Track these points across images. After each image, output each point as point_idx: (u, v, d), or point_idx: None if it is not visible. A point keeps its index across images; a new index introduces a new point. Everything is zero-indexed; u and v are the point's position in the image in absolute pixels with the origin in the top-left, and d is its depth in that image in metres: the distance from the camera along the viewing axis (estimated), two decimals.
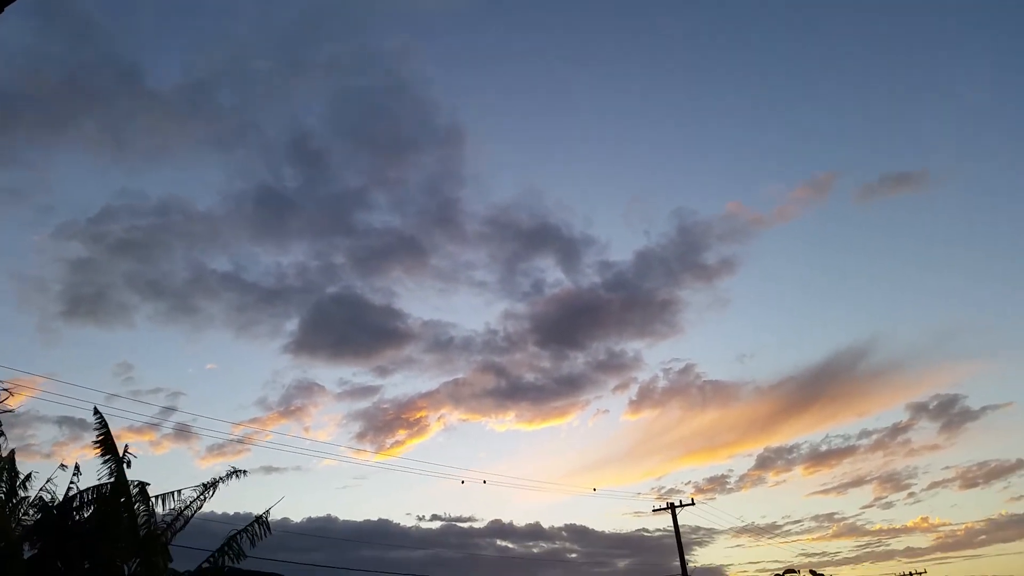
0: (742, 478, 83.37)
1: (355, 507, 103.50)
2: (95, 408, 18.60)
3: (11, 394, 16.77)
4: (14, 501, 18.13)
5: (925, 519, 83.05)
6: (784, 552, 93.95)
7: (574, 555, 77.58)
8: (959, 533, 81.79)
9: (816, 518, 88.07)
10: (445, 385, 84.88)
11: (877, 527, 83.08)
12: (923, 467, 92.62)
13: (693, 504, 42.69)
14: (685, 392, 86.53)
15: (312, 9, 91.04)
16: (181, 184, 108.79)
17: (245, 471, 19.80)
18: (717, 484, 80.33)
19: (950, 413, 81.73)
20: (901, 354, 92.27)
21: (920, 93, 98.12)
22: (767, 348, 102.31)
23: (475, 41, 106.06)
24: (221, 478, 19.59)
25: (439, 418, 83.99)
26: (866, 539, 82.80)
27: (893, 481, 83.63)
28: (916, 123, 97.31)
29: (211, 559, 19.09)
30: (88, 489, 17.80)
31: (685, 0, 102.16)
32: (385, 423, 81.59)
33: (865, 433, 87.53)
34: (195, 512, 19.21)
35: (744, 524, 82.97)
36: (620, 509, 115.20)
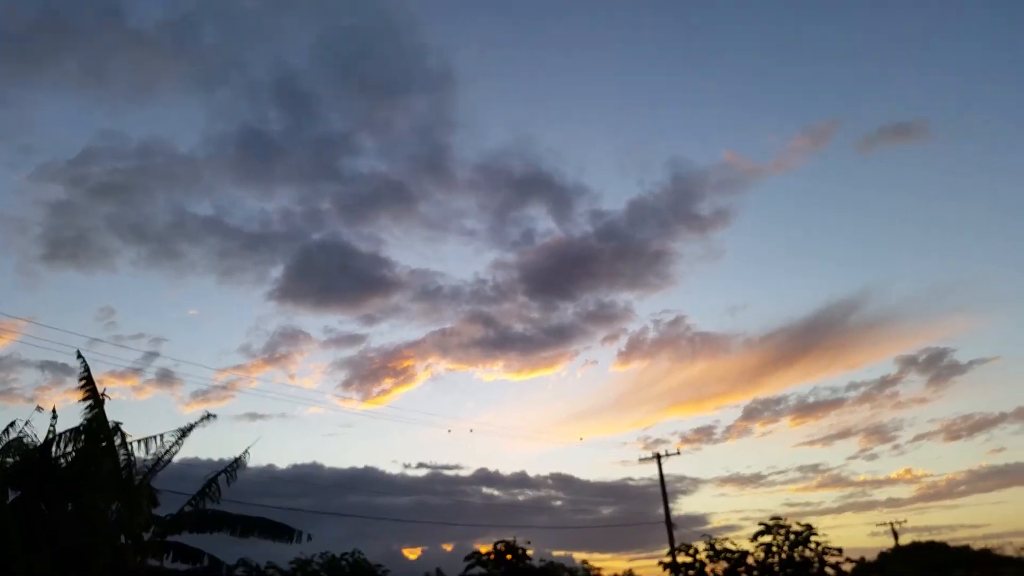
0: (729, 429, 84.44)
1: (341, 454, 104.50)
2: (78, 352, 18.39)
3: None
4: None
5: (909, 470, 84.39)
6: (768, 501, 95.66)
7: (559, 503, 78.81)
8: (940, 484, 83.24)
9: (801, 469, 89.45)
10: (433, 334, 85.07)
11: (861, 478, 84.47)
12: (909, 420, 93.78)
13: (679, 454, 43.10)
14: (675, 344, 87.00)
15: None
16: (163, 125, 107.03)
17: (215, 415, 19.87)
18: (704, 435, 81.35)
19: (938, 366, 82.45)
20: (894, 307, 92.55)
21: (923, 43, 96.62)
22: (759, 300, 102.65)
23: None
24: (194, 424, 19.57)
25: (426, 367, 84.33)
26: (850, 490, 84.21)
27: (879, 433, 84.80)
28: (918, 73, 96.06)
29: (192, 502, 19.13)
30: (67, 431, 17.60)
31: None
32: (371, 371, 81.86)
33: (853, 385, 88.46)
34: (172, 456, 19.12)
35: (728, 474, 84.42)
36: (606, 458, 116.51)
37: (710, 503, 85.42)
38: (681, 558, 21.44)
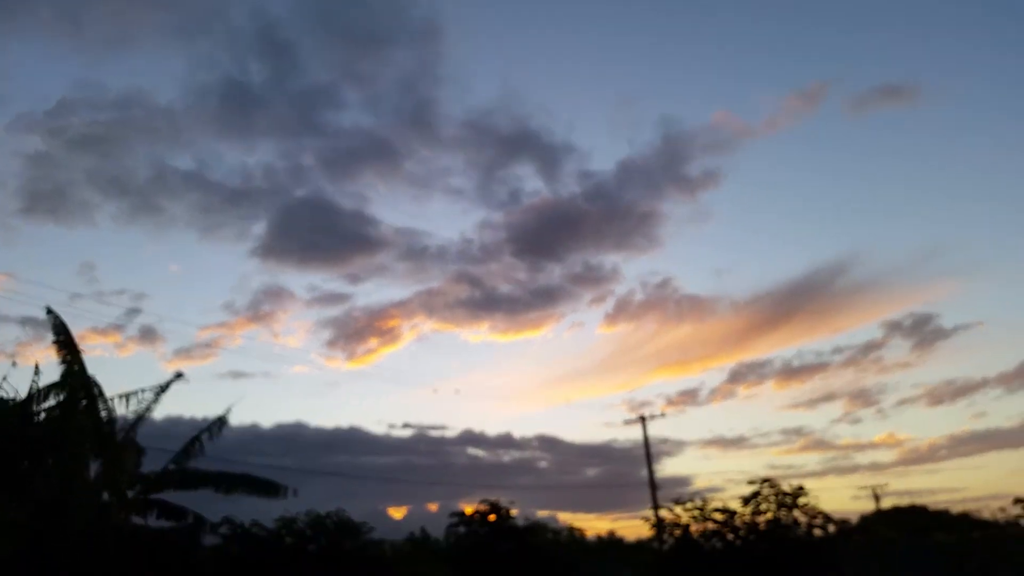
0: (713, 391, 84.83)
1: (326, 414, 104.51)
2: (48, 308, 17.98)
3: None
4: None
5: (891, 435, 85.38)
6: (751, 464, 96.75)
7: (544, 464, 79.38)
8: (922, 448, 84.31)
9: (784, 432, 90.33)
10: (418, 294, 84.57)
11: (844, 442, 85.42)
12: (893, 384, 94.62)
13: (664, 416, 43.31)
14: (661, 306, 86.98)
15: None
16: (142, 75, 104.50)
17: (183, 373, 19.88)
18: (688, 397, 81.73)
19: (923, 331, 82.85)
20: (881, 271, 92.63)
21: (916, 4, 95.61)
22: (746, 263, 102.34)
23: None
24: (169, 382, 19.38)
25: (412, 327, 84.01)
26: (833, 453, 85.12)
27: (863, 397, 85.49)
28: (911, 36, 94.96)
29: (176, 460, 18.96)
30: (47, 385, 17.27)
31: None
32: (357, 331, 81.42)
33: (838, 350, 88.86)
34: (150, 412, 18.96)
35: (712, 436, 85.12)
36: (592, 420, 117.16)
37: (694, 465, 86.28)
38: (666, 515, 21.47)
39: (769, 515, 20.20)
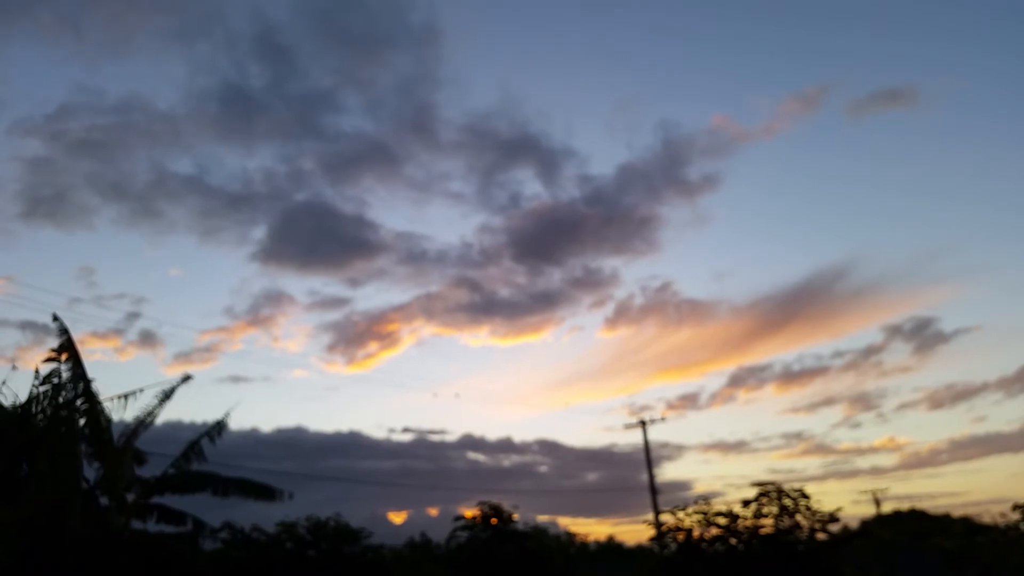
0: (714, 396, 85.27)
1: (326, 418, 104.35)
2: (54, 315, 17.94)
3: None
4: None
5: (892, 439, 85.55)
6: (751, 468, 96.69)
7: (544, 468, 79.26)
8: (922, 452, 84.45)
9: (785, 436, 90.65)
10: (418, 298, 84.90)
11: (844, 446, 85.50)
12: (893, 388, 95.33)
13: (664, 420, 43.17)
14: (661, 310, 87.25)
15: None
16: (142, 80, 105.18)
17: (192, 376, 19.69)
18: (689, 401, 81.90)
19: (923, 335, 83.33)
20: (880, 275, 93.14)
21: (914, 8, 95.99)
22: (746, 267, 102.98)
23: None
24: (175, 385, 19.37)
25: (412, 331, 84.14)
26: (833, 457, 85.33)
27: (863, 401, 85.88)
28: (910, 39, 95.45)
29: (175, 465, 18.90)
30: (46, 388, 17.16)
31: None
32: (356, 335, 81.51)
33: (838, 354, 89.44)
34: (154, 416, 18.86)
35: (713, 441, 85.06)
36: (592, 425, 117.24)
37: (694, 469, 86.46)
38: (669, 519, 21.36)
39: (772, 519, 20.10)
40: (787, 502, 19.88)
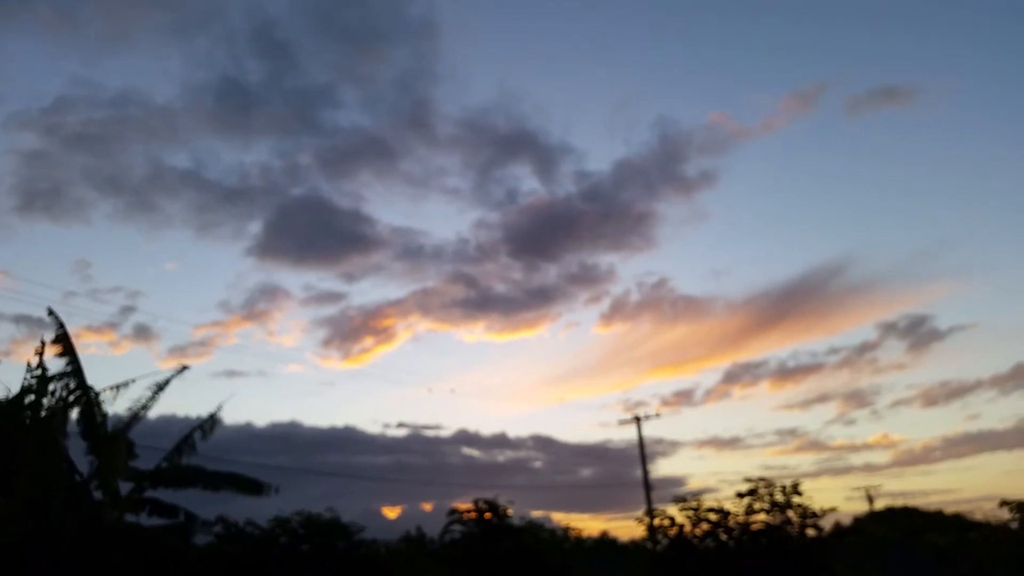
0: (708, 392, 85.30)
1: (320, 413, 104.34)
2: (49, 309, 17.97)
3: None
4: None
5: (886, 436, 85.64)
6: (746, 464, 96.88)
7: (539, 464, 79.39)
8: (916, 450, 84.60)
9: (779, 432, 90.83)
10: (414, 294, 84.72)
11: (838, 443, 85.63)
12: (887, 385, 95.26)
13: (659, 417, 43.28)
14: (657, 306, 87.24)
15: None
16: (139, 74, 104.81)
17: (189, 367, 19.74)
18: (684, 397, 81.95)
19: (918, 333, 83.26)
20: (876, 273, 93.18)
21: (913, 6, 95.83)
22: (742, 263, 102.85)
23: None
24: (170, 378, 19.36)
25: (407, 327, 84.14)
26: (827, 454, 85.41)
27: (857, 398, 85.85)
28: (909, 37, 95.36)
29: (168, 458, 18.91)
30: (38, 380, 17.19)
31: None
32: (352, 330, 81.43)
33: (833, 351, 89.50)
34: (148, 408, 18.87)
35: (707, 437, 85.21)
36: (587, 420, 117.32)
37: (688, 465, 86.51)
38: (661, 516, 21.42)
39: (763, 515, 20.18)
40: (778, 498, 19.97)
